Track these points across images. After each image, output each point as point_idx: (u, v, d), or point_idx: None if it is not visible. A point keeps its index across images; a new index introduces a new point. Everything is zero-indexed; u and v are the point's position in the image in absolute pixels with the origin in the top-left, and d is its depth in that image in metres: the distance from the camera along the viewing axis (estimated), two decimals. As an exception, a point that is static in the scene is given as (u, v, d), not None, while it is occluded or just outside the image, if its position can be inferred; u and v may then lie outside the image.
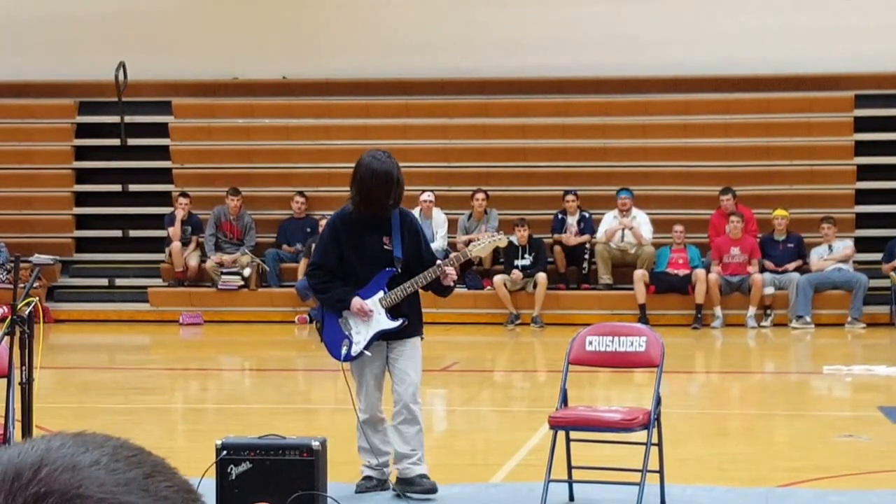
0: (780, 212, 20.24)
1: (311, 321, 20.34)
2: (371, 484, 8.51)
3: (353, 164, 25.27)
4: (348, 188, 23.90)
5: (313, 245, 20.63)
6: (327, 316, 8.61)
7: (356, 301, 8.42)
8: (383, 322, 8.46)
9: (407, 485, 8.45)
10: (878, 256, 20.25)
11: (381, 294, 8.48)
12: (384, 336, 8.48)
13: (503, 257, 20.24)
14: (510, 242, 19.93)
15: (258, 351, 18.36)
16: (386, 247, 8.49)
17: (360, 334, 8.46)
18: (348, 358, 8.48)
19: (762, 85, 21.97)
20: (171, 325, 20.45)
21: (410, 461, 8.46)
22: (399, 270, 8.49)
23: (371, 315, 8.42)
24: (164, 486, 1.15)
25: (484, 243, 9.44)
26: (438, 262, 8.64)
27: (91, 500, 1.09)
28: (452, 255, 8.98)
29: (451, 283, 8.62)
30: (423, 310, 8.78)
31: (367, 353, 8.45)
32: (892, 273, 19.78)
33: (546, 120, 22.06)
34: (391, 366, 8.52)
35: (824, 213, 20.32)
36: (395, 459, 8.52)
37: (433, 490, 8.44)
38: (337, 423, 12.09)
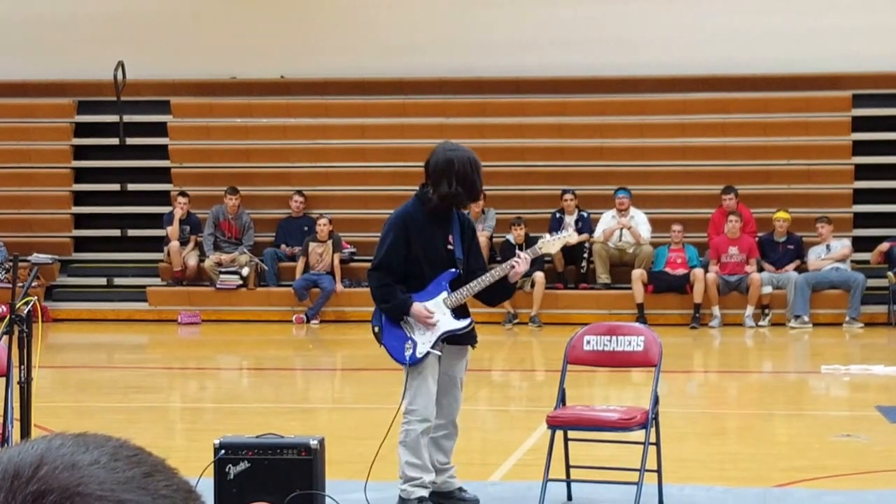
0: (781, 214, 20.22)
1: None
2: None
3: (350, 163, 25.02)
4: (346, 187, 23.69)
5: (311, 244, 20.74)
6: (385, 320, 8.24)
7: (417, 307, 8.09)
8: (449, 322, 8.17)
9: (447, 498, 8.30)
10: (875, 256, 20.27)
11: (444, 295, 8.18)
12: (446, 339, 8.19)
13: (500, 256, 20.24)
14: (508, 241, 19.97)
15: (256, 350, 18.36)
16: (449, 246, 8.22)
17: (425, 335, 8.12)
18: (414, 360, 8.11)
19: (760, 84, 21.98)
20: (170, 325, 20.46)
21: (448, 474, 8.31)
22: (462, 271, 8.24)
23: (433, 323, 8.10)
24: (164, 486, 1.15)
25: (554, 239, 8.97)
26: (516, 258, 8.28)
27: (91, 497, 1.10)
28: (523, 252, 8.50)
29: (518, 278, 8.31)
30: None
31: (435, 352, 8.13)
32: (889, 273, 19.79)
33: (543, 119, 22.07)
34: (442, 376, 8.22)
35: (822, 213, 20.33)
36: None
37: (476, 502, 8.33)
38: (335, 422, 12.11)
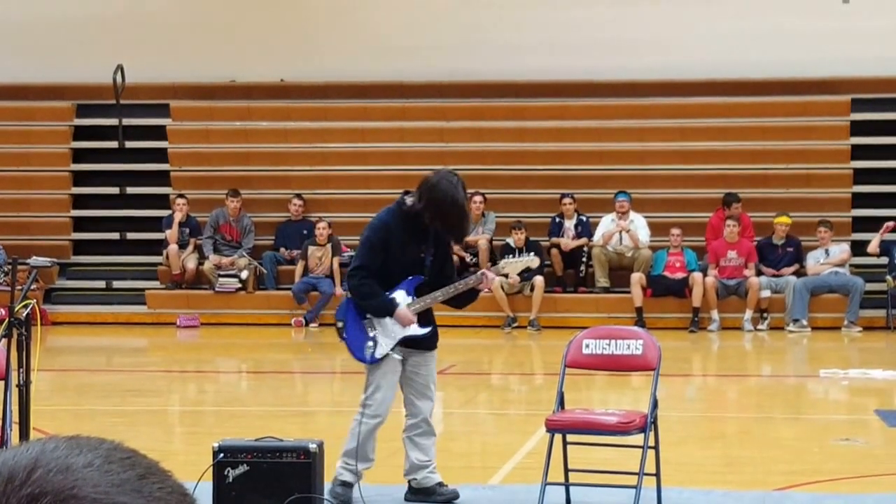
0: (783, 219, 20.18)
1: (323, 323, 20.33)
2: (349, 494, 8.34)
3: (350, 167, 25.05)
4: (345, 191, 23.70)
5: (310, 248, 20.73)
6: (351, 317, 8.50)
7: (402, 310, 8.32)
8: (412, 328, 8.39)
9: (427, 494, 8.44)
10: (874, 260, 20.24)
11: (409, 300, 8.41)
12: (407, 343, 8.41)
13: (500, 260, 20.27)
14: (508, 245, 19.98)
15: (255, 353, 18.36)
16: (422, 254, 8.45)
17: (387, 336, 8.36)
18: (373, 360, 8.36)
19: (759, 88, 21.98)
20: (169, 328, 20.45)
21: (427, 470, 8.45)
22: (428, 278, 8.44)
23: (412, 325, 8.35)
24: (158, 488, 1.15)
25: (516, 262, 9.28)
26: (483, 275, 8.58)
27: (85, 500, 1.10)
28: (489, 272, 8.75)
29: (486, 290, 8.59)
30: None
31: (394, 355, 8.35)
32: (888, 277, 19.77)
33: (543, 123, 22.06)
34: (411, 378, 8.44)
35: (821, 217, 20.34)
36: (410, 469, 8.46)
37: (456, 497, 8.46)
38: (334, 425, 12.10)
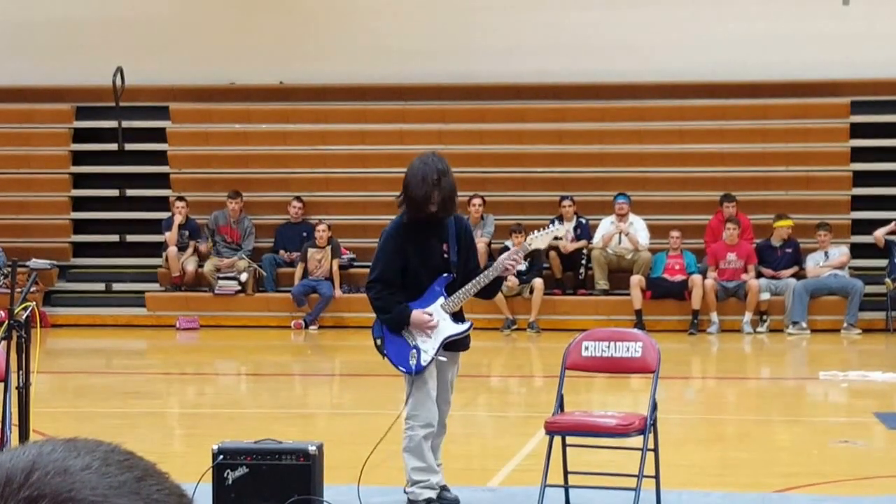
0: (784, 222, 20.16)
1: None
2: None
3: (349, 169, 25.06)
4: (344, 193, 23.71)
5: (309, 250, 20.73)
6: (388, 329, 8.33)
7: (416, 314, 8.19)
8: (450, 327, 8.30)
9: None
10: (874, 262, 20.26)
11: (441, 300, 8.30)
12: (444, 344, 8.29)
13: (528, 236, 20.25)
14: (506, 248, 19.98)
15: (255, 356, 18.36)
16: (445, 254, 8.33)
17: (428, 342, 8.23)
18: (419, 369, 8.20)
19: (758, 91, 21.99)
20: (168, 330, 20.45)
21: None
22: (455, 275, 8.33)
23: (435, 326, 8.21)
24: (156, 490, 1.16)
25: (542, 234, 9.00)
26: (510, 259, 8.38)
27: (83, 502, 1.10)
28: (512, 249, 8.60)
29: (513, 273, 8.50)
30: None
31: (441, 358, 8.26)
32: (887, 279, 19.78)
33: (542, 125, 22.07)
34: (438, 379, 8.36)
35: (820, 219, 20.34)
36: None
37: (456, 502, 8.42)
38: (333, 427, 12.12)
